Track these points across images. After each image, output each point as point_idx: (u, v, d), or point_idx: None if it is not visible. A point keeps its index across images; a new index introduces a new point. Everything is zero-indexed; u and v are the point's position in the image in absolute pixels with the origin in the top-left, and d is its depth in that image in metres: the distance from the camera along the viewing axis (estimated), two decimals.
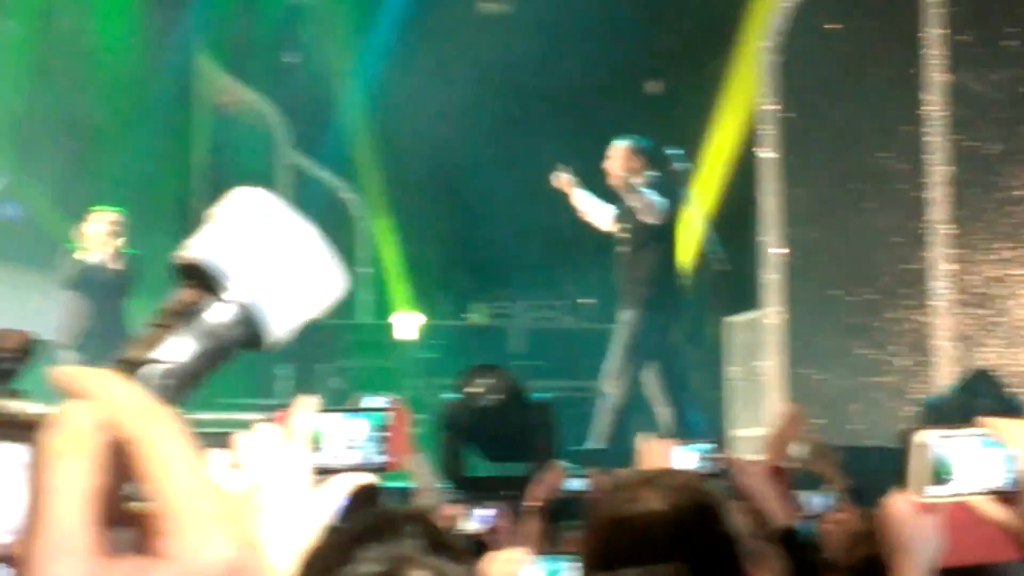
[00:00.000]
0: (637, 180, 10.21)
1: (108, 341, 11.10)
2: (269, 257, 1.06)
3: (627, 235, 10.38)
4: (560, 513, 5.68)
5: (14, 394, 2.17)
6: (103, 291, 11.21)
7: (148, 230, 11.83)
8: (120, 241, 11.34)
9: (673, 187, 10.46)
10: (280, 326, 1.07)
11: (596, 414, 10.28)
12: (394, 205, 14.20)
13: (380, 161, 14.12)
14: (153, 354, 1.03)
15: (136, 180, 13.73)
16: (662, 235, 10.35)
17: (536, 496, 5.81)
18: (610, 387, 10.25)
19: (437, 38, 13.85)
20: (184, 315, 1.06)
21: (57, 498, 0.84)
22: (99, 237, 11.28)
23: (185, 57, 14.40)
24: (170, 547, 0.86)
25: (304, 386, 11.90)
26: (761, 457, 4.47)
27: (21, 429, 0.89)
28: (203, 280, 1.07)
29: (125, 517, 0.88)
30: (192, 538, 0.86)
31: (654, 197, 10.19)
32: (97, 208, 11.49)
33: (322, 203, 13.40)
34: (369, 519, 1.79)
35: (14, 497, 0.89)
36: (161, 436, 0.88)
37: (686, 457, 4.18)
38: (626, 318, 10.38)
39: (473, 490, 6.90)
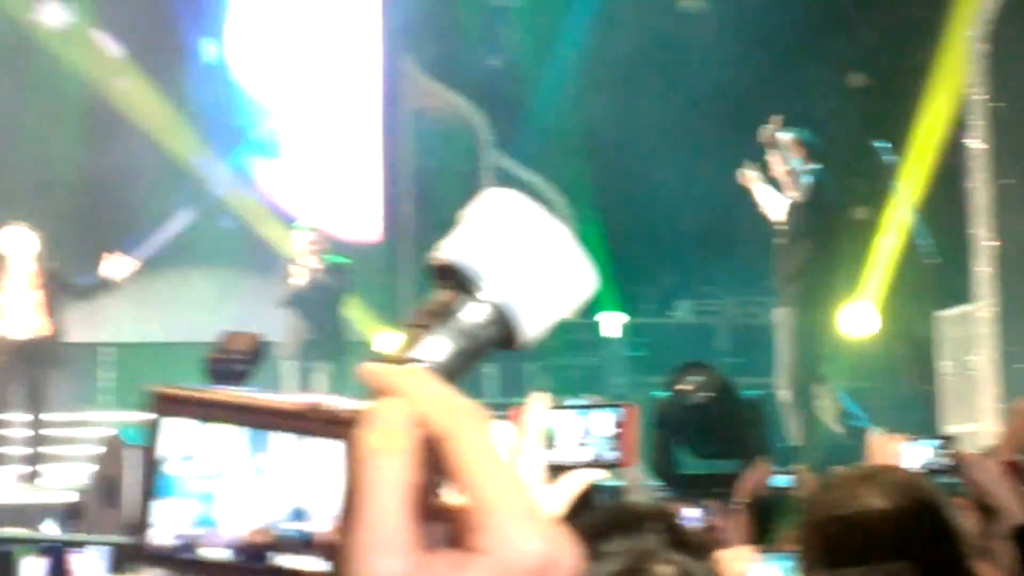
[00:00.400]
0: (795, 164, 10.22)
1: (326, 349, 11.46)
2: (522, 256, 1.07)
3: (784, 226, 10.32)
4: (767, 510, 5.66)
5: None
6: (316, 303, 11.51)
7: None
8: (323, 255, 11.62)
9: (827, 186, 10.35)
10: (533, 325, 1.08)
11: (781, 413, 10.21)
12: (598, 204, 14.25)
13: (583, 161, 14.17)
14: (412, 354, 1.05)
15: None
16: (816, 230, 10.23)
17: (743, 493, 5.81)
18: (784, 388, 10.19)
19: (636, 35, 13.86)
20: (440, 315, 1.07)
21: (377, 494, 0.87)
22: (303, 254, 11.58)
23: (393, 62, 14.67)
24: (486, 541, 0.87)
25: (511, 385, 12.04)
26: (993, 452, 4.40)
27: (338, 425, 0.92)
28: (458, 280, 1.08)
29: (435, 512, 0.89)
30: (508, 532, 0.87)
31: (800, 168, 10.14)
32: (296, 227, 11.80)
33: None
34: (610, 515, 1.82)
35: (332, 492, 0.91)
36: (472, 432, 0.89)
37: (916, 453, 4.12)
38: (780, 318, 10.31)
39: (684, 487, 6.91)
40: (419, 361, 1.04)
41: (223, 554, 0.93)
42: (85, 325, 12.62)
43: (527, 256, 1.07)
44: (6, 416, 11.03)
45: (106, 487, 8.15)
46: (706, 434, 7.55)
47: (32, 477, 11.06)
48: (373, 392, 0.92)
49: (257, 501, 0.93)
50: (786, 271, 10.31)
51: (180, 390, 0.95)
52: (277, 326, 11.38)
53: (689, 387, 7.56)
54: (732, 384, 7.89)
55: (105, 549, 1.28)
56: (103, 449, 9.44)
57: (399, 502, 0.87)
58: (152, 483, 0.95)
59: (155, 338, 13.98)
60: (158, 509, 0.95)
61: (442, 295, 1.08)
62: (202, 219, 14.03)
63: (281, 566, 0.92)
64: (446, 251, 1.09)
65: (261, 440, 0.93)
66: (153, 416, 0.95)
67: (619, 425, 2.39)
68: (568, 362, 12.67)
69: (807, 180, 10.18)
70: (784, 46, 13.18)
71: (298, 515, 0.92)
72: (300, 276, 11.53)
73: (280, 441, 0.93)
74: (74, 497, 9.48)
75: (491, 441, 0.90)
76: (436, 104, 14.51)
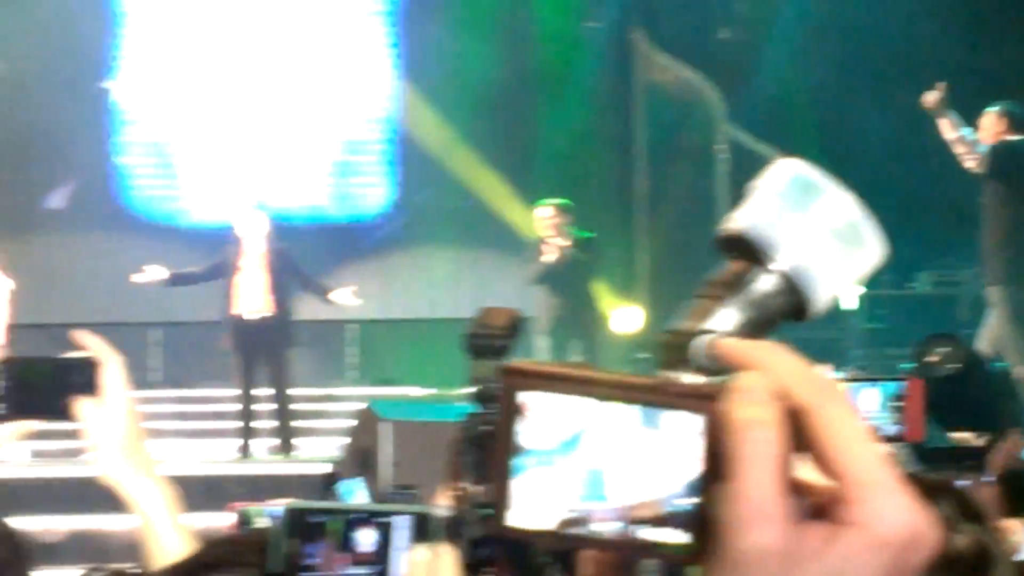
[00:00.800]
0: (1007, 137, 10.04)
1: (578, 323, 11.66)
2: (812, 226, 1.07)
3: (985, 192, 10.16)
4: (1019, 483, 5.59)
5: None
6: (565, 279, 11.69)
7: (593, 210, 12.21)
8: (569, 230, 11.77)
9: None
10: (825, 294, 1.08)
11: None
12: (830, 175, 14.09)
13: (815, 131, 14.04)
14: (703, 325, 1.06)
15: (579, 162, 14.15)
16: (1012, 201, 10.00)
17: (995, 466, 5.74)
18: (1018, 364, 9.97)
19: (863, 4, 13.70)
20: (731, 286, 1.08)
21: (751, 466, 0.86)
22: (547, 230, 11.76)
23: (623, 38, 14.73)
24: (856, 514, 0.85)
25: None
26: None
27: (697, 399, 0.91)
28: (749, 251, 1.08)
29: (794, 486, 0.87)
30: (879, 505, 0.85)
31: (973, 137, 9.96)
32: (542, 203, 11.95)
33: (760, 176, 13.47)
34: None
35: (690, 464, 0.90)
36: (835, 404, 0.88)
37: None
38: (995, 297, 10.08)
39: (932, 461, 6.84)
40: (711, 332, 1.05)
41: (597, 529, 0.92)
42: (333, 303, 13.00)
43: (818, 225, 1.07)
44: (255, 392, 11.47)
45: (360, 459, 8.38)
46: (955, 407, 7.45)
47: (283, 449, 11.48)
48: (731, 366, 0.91)
49: (619, 475, 0.92)
50: (989, 243, 10.14)
51: (533, 364, 0.94)
52: (517, 302, 11.56)
53: (936, 359, 7.47)
54: (980, 356, 7.77)
55: (408, 519, 1.37)
56: (355, 422, 9.73)
57: (773, 475, 0.86)
58: (509, 459, 0.93)
59: (397, 315, 14.32)
60: (521, 485, 0.93)
61: (733, 266, 1.09)
62: (441, 198, 14.29)
63: (643, 539, 0.91)
64: (737, 221, 1.09)
65: (626, 413, 0.92)
66: (505, 390, 0.94)
67: (901, 398, 2.40)
68: (805, 335, 12.52)
69: (982, 150, 10.02)
70: (1016, 13, 12.88)
71: (658, 488, 0.91)
72: (550, 253, 11.72)
73: (640, 414, 0.92)
74: (328, 468, 9.79)
75: (854, 413, 0.89)
76: (668, 78, 14.53)
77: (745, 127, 14.37)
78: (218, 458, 11.36)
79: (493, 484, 0.94)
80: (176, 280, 11.52)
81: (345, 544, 1.58)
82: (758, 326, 1.07)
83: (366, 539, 1.59)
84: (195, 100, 14.69)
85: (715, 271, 1.10)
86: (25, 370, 2.11)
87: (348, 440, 9.37)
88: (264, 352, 11.32)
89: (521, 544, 2.27)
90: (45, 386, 2.09)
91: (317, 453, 11.24)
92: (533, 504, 0.93)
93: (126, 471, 2.08)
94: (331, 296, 11.53)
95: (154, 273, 11.37)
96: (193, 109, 14.68)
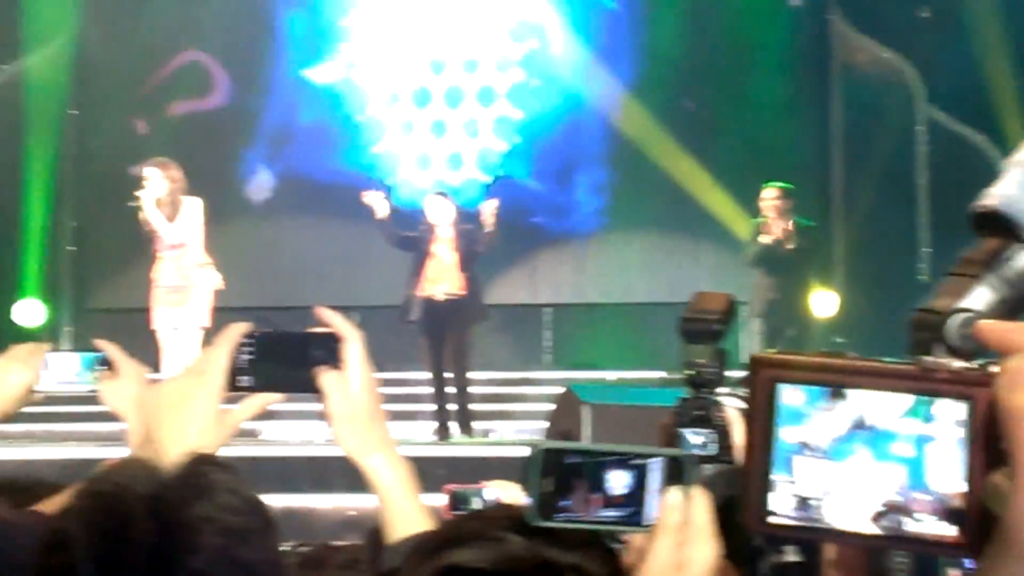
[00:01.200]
0: None
1: (791, 311, 11.62)
2: None
3: None
4: None
5: (721, 354, 2.34)
6: (783, 266, 11.65)
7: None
8: (791, 215, 11.71)
9: None
10: None
11: None
12: None
13: (1020, 113, 13.69)
14: (957, 304, 1.03)
15: (775, 143, 14.01)
16: None
17: None
18: None
19: None
20: (986, 264, 1.05)
21: None
22: (769, 211, 11.72)
23: (820, 18, 14.56)
24: None
25: None
26: None
27: (964, 386, 0.88)
28: (1005, 227, 1.06)
29: None
30: None
31: None
32: (767, 184, 11.88)
33: (963, 159, 13.19)
34: None
35: (957, 454, 0.88)
36: None
37: None
38: None
39: None
40: (967, 311, 1.03)
41: (918, 518, 0.89)
42: (528, 288, 13.11)
43: None
44: (447, 374, 11.60)
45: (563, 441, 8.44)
46: None
47: (464, 431, 11.59)
48: (991, 348, 0.89)
49: (875, 475, 0.89)
50: None
51: (792, 355, 0.93)
52: (712, 286, 11.49)
53: None
54: None
55: (662, 462, 1.39)
56: (554, 405, 9.78)
57: None
58: (768, 454, 0.91)
59: (591, 299, 14.35)
60: (793, 480, 0.91)
61: (988, 243, 1.07)
62: (637, 184, 14.26)
63: (914, 533, 0.89)
64: (993, 198, 1.07)
65: (896, 401, 0.90)
66: (761, 382, 0.92)
67: None
68: None
69: None
70: None
71: (939, 479, 0.88)
72: (769, 235, 11.67)
73: (908, 403, 0.90)
74: (527, 452, 9.85)
75: None
76: (866, 59, 14.30)
77: (945, 108, 14.07)
78: (416, 440, 11.50)
79: (749, 480, 0.92)
80: (383, 225, 11.65)
81: (598, 486, 1.58)
82: (1014, 305, 1.05)
83: (619, 481, 1.58)
84: (397, 86, 14.90)
85: (970, 248, 1.08)
86: (270, 343, 2.13)
87: (548, 423, 9.43)
88: (452, 332, 11.45)
89: (735, 530, 2.26)
90: (289, 359, 2.13)
91: (514, 436, 11.31)
92: (832, 499, 0.91)
93: (366, 446, 2.12)
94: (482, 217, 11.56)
95: (378, 200, 11.55)
96: (394, 95, 14.89)
